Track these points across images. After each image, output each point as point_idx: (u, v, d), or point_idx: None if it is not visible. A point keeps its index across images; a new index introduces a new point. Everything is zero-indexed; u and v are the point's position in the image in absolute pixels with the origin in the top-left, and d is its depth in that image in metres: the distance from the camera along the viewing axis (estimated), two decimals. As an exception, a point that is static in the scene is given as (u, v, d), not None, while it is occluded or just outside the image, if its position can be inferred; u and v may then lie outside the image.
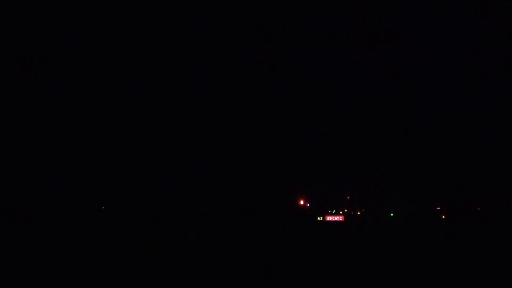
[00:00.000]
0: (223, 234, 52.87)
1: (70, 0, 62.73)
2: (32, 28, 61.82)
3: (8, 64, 60.50)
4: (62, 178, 62.34)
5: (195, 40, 66.53)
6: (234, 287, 30.07)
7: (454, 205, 68.95)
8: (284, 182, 69.45)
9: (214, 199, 66.61)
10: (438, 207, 69.77)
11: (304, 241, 50.28)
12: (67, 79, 63.87)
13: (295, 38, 68.03)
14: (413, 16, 67.04)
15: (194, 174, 67.28)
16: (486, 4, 64.14)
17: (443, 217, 69.28)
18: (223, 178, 67.82)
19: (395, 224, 66.08)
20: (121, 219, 61.50)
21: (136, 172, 64.62)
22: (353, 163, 69.59)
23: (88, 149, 64.04)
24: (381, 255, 41.28)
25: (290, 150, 69.92)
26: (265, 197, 68.15)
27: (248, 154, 68.74)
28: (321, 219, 69.57)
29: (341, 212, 70.40)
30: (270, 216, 65.31)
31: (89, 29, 63.94)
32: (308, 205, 70.49)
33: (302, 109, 70.25)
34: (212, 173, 67.78)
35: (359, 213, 70.79)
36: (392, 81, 69.61)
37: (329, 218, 69.75)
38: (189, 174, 67.01)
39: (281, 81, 68.94)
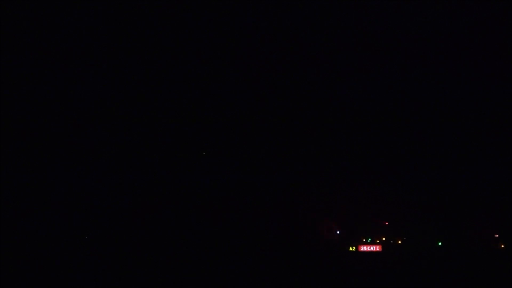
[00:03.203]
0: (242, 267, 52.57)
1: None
2: (32, 28, 63.47)
3: (8, 64, 62.66)
4: (61, 178, 63.64)
5: (195, 40, 66.64)
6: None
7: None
8: (310, 206, 66.46)
9: (230, 226, 64.76)
10: (495, 234, 63.85)
11: (335, 276, 49.37)
12: (69, 79, 65.64)
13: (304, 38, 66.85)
14: (413, 16, 65.62)
15: (203, 196, 66.00)
16: (486, 4, 63.59)
17: (502, 246, 63.35)
18: (242, 200, 65.91)
19: (445, 255, 61.75)
20: (121, 219, 62.82)
21: (136, 172, 65.19)
22: (391, 182, 65.66)
23: (87, 149, 65.35)
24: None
25: (316, 169, 66.80)
26: (288, 223, 65.32)
27: (270, 172, 66.61)
28: (354, 249, 65.18)
29: (378, 241, 65.60)
30: (293, 246, 62.89)
31: (88, 28, 65.15)
32: (338, 232, 66.27)
33: (333, 125, 68.14)
34: (229, 196, 66.08)
35: (399, 241, 65.55)
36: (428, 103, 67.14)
37: (363, 248, 65.10)
38: (196, 194, 65.92)
39: (312, 98, 67.98)
